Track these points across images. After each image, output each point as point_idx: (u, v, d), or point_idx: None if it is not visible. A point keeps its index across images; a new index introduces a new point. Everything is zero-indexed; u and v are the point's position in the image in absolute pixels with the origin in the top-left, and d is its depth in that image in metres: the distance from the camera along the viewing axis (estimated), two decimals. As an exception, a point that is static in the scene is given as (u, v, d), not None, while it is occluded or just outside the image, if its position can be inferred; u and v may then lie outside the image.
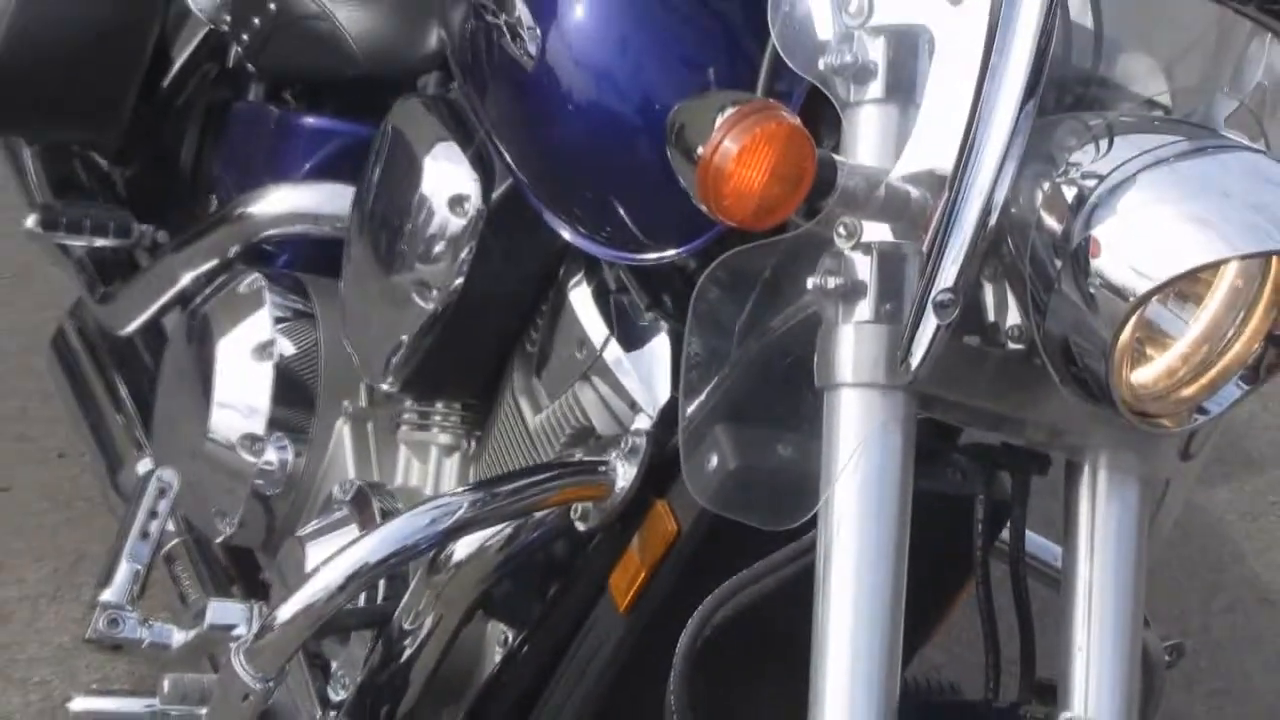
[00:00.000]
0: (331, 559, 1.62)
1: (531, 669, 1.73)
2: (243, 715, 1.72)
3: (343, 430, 2.06)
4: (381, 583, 1.76)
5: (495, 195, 1.76)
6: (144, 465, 2.31)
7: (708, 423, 1.36)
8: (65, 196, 2.61)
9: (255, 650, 1.66)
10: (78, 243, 2.54)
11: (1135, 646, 1.35)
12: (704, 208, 1.21)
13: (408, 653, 1.73)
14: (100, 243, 2.53)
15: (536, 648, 1.73)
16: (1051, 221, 1.19)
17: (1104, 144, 1.21)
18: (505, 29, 1.65)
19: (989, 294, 1.27)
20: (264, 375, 2.07)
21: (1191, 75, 1.33)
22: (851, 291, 1.24)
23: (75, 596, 2.74)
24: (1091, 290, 1.17)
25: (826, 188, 1.21)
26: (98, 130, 2.50)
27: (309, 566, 1.73)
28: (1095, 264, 1.17)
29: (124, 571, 1.80)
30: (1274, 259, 1.24)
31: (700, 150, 1.19)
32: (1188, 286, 1.24)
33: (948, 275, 1.19)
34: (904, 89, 1.26)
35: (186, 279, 2.26)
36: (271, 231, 2.16)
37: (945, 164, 1.21)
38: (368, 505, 1.87)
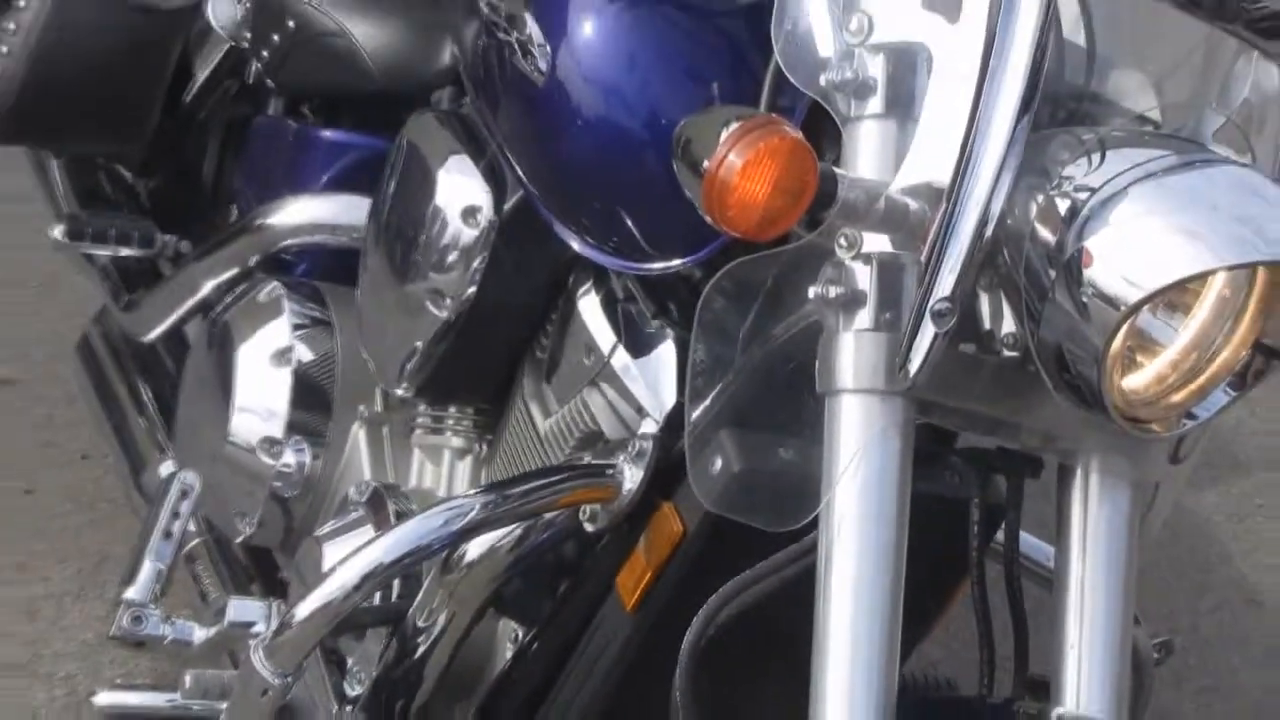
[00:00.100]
0: (348, 559, 1.62)
1: (541, 665, 1.73)
2: (262, 710, 1.72)
3: (359, 434, 2.06)
4: (396, 581, 1.76)
5: (507, 207, 1.76)
6: (166, 468, 2.31)
7: (712, 427, 1.36)
8: (91, 207, 2.62)
9: (274, 647, 1.66)
10: (103, 252, 2.55)
11: (1126, 644, 1.35)
12: (709, 219, 1.21)
13: (421, 649, 1.73)
14: (124, 252, 2.53)
15: (546, 645, 1.73)
16: (1045, 233, 1.19)
17: (1096, 158, 1.21)
18: (517, 46, 1.65)
19: (985, 303, 1.27)
20: (283, 380, 2.07)
21: (1180, 92, 1.33)
22: (852, 300, 1.25)
23: (99, 594, 2.74)
24: (1084, 299, 1.18)
25: (828, 200, 1.21)
26: (122, 143, 2.50)
27: (326, 566, 1.73)
28: (1088, 274, 1.17)
29: (147, 570, 1.81)
30: (1260, 269, 1.24)
31: (706, 164, 1.19)
32: (1177, 296, 1.24)
33: (945, 285, 1.19)
34: (903, 104, 1.27)
35: (208, 287, 2.26)
36: (290, 241, 2.16)
37: (943, 177, 1.21)
38: (383, 506, 1.87)
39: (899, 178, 1.25)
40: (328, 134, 2.23)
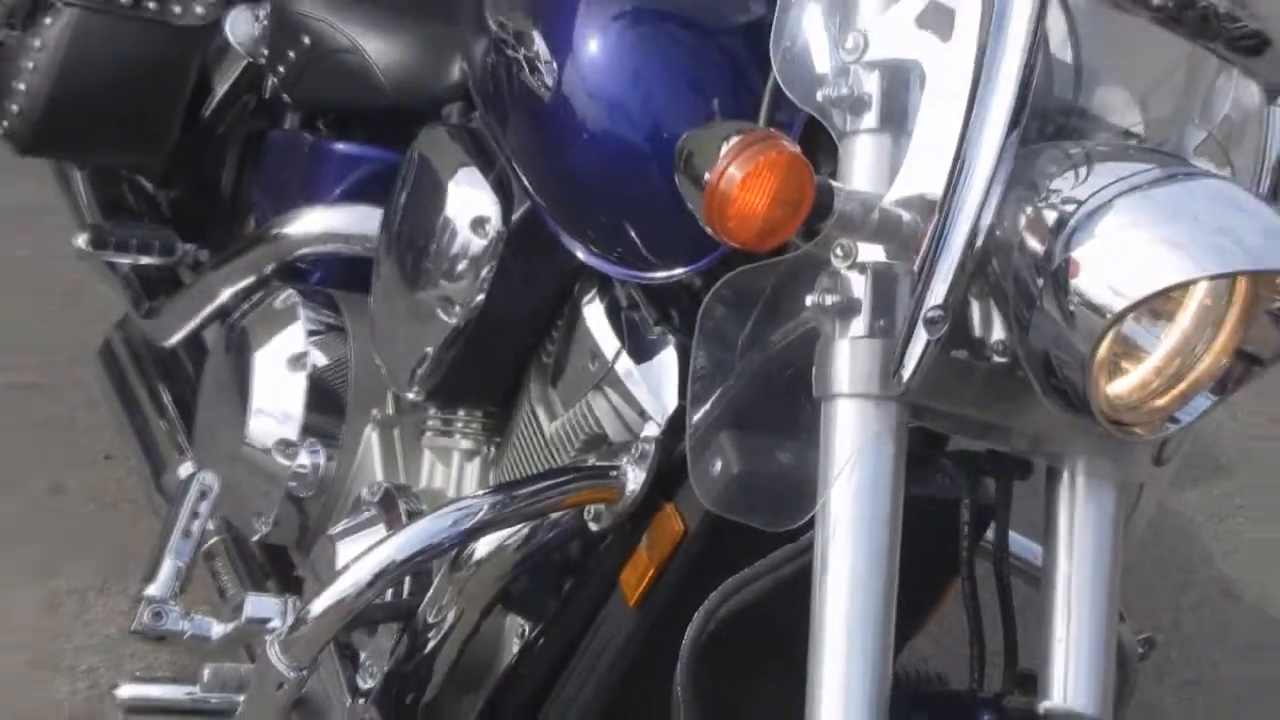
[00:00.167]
0: (361, 557, 1.62)
1: (547, 660, 1.73)
2: (278, 702, 1.72)
3: (371, 436, 2.06)
4: (407, 579, 1.76)
5: (514, 218, 1.76)
6: (186, 469, 2.32)
7: (713, 430, 1.36)
8: (113, 217, 2.62)
9: (289, 642, 1.66)
10: (125, 260, 2.55)
11: (1111, 640, 1.35)
12: (710, 230, 1.21)
13: (432, 644, 1.73)
14: (146, 261, 2.54)
15: (552, 640, 1.73)
16: (1034, 243, 1.19)
17: (1082, 171, 1.21)
18: (524, 62, 1.65)
19: (975, 311, 1.27)
20: (298, 385, 2.07)
21: (1164, 107, 1.33)
22: (847, 308, 1.25)
23: (121, 590, 2.74)
24: (1071, 308, 1.18)
25: (824, 211, 1.21)
26: (144, 156, 2.50)
27: (340, 564, 1.73)
28: (1074, 283, 1.17)
29: (167, 568, 1.80)
30: (1240, 279, 1.24)
31: (707, 176, 1.19)
32: (1160, 304, 1.24)
33: (937, 293, 1.19)
34: (897, 119, 1.27)
35: (226, 295, 2.26)
36: (305, 251, 2.16)
37: (935, 190, 1.21)
38: (394, 506, 1.87)
39: (893, 190, 1.25)
40: (341, 147, 2.23)
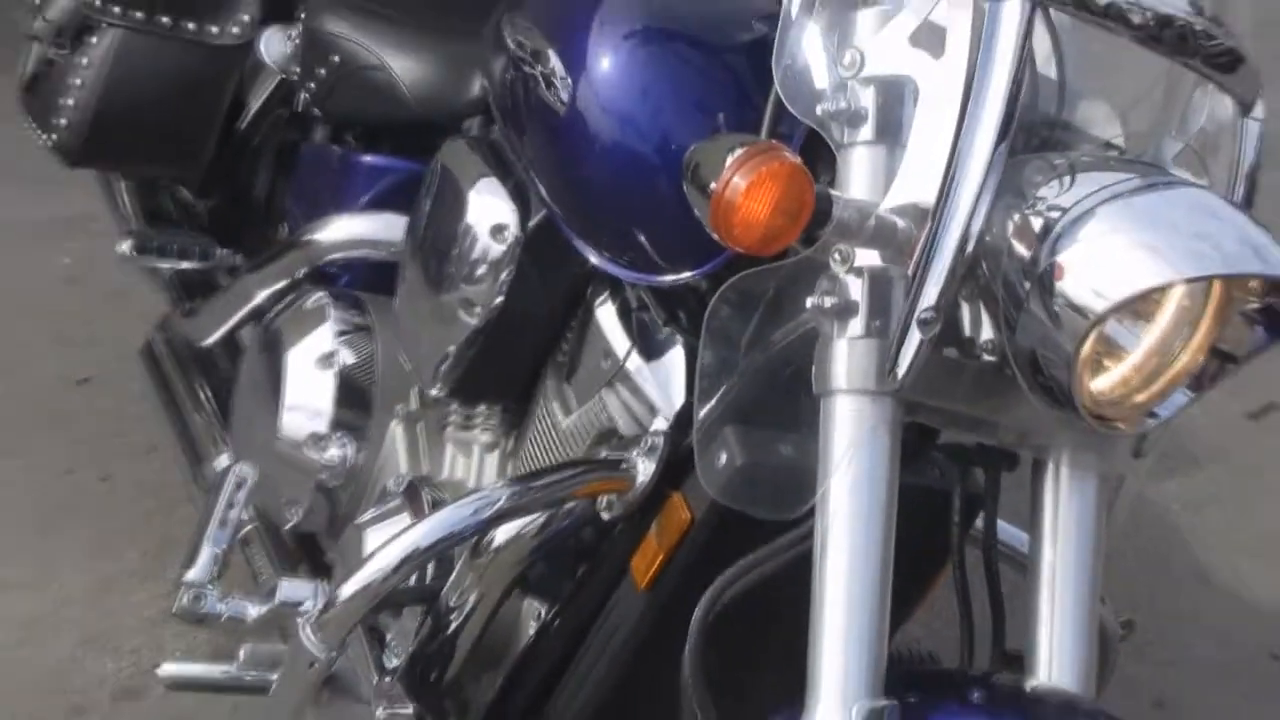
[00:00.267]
0: (387, 544, 1.62)
1: (562, 640, 1.73)
2: (309, 680, 1.72)
3: (396, 430, 2.06)
4: (431, 564, 1.76)
5: (531, 224, 1.76)
6: (223, 460, 2.32)
7: (718, 425, 1.35)
8: (155, 225, 2.63)
9: (320, 623, 1.66)
10: (165, 265, 2.55)
11: (1093, 621, 1.34)
12: (715, 236, 1.21)
13: (454, 625, 1.73)
14: (185, 265, 2.54)
15: (566, 621, 1.72)
16: (1021, 249, 1.19)
17: (1067, 181, 1.20)
18: (541, 79, 1.65)
19: (966, 312, 1.26)
20: (327, 382, 2.07)
21: (1143, 120, 1.33)
22: (845, 310, 1.24)
23: (163, 575, 2.74)
24: (1056, 309, 1.17)
25: (823, 219, 1.20)
26: (183, 167, 2.50)
27: (367, 550, 1.73)
28: (1059, 286, 1.17)
29: (206, 554, 1.80)
30: (1216, 282, 1.24)
31: (713, 186, 1.19)
32: (1140, 306, 1.24)
33: (930, 296, 1.19)
34: (892, 132, 1.26)
35: (260, 297, 2.26)
36: (334, 255, 2.17)
37: (928, 198, 1.20)
38: (418, 496, 1.87)
39: (888, 198, 1.24)
40: (368, 158, 2.23)
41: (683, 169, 1.23)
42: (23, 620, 2.70)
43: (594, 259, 1.63)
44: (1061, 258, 1.17)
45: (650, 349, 1.65)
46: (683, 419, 1.57)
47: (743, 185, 1.18)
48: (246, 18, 2.36)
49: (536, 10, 1.72)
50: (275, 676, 1.84)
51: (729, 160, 1.19)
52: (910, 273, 1.20)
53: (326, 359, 2.08)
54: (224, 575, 1.81)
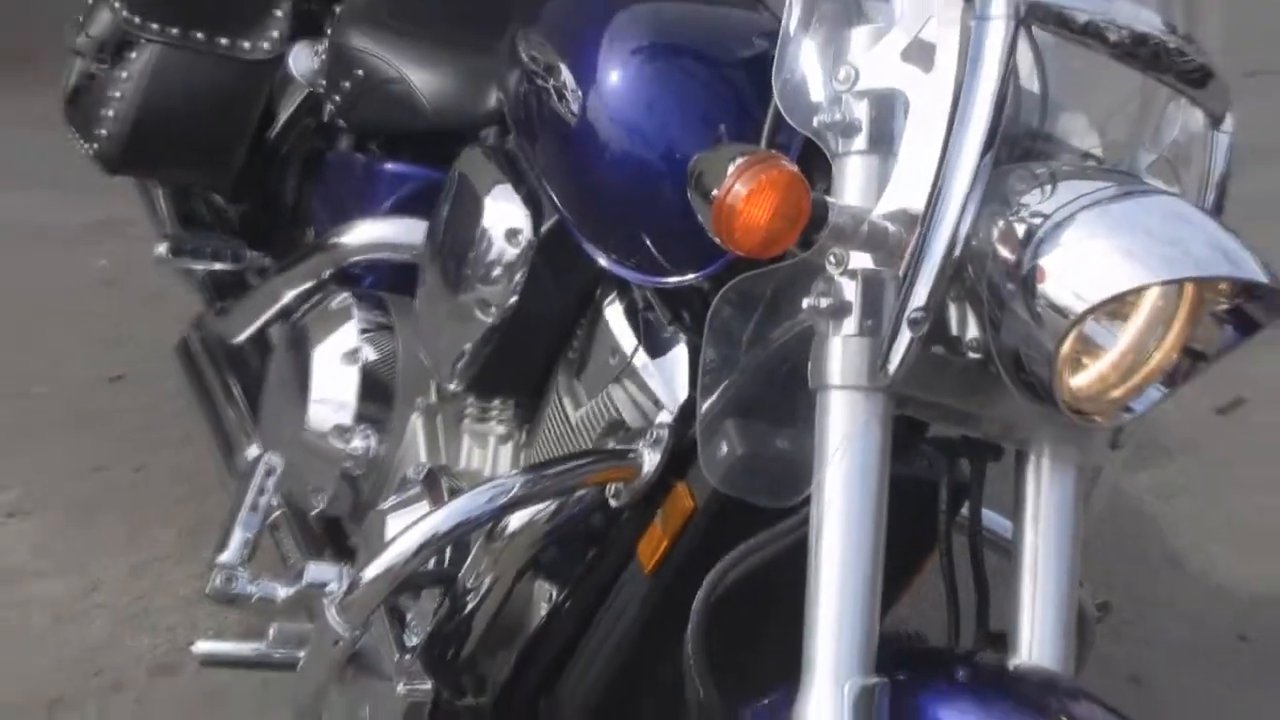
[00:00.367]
0: (408, 529, 1.62)
1: (572, 620, 1.73)
2: (334, 657, 1.72)
3: (416, 422, 2.06)
4: (449, 549, 1.76)
5: (544, 229, 1.76)
6: (254, 450, 2.32)
7: (720, 418, 1.35)
8: (189, 229, 2.63)
9: (345, 604, 1.66)
10: (199, 267, 2.56)
11: (1072, 603, 1.34)
12: (717, 240, 1.21)
13: (470, 606, 1.73)
14: (217, 267, 2.54)
15: (576, 603, 1.72)
16: (1005, 253, 1.19)
17: (1048, 189, 1.20)
18: (553, 91, 1.65)
19: (953, 312, 1.26)
20: (351, 377, 2.08)
21: (1120, 132, 1.33)
22: (840, 310, 1.24)
23: (196, 558, 2.75)
24: (1038, 309, 1.17)
25: (819, 224, 1.20)
26: (216, 174, 2.50)
27: (389, 535, 1.73)
28: (1041, 288, 1.17)
29: (237, 538, 1.80)
30: (1188, 285, 1.23)
31: (715, 193, 1.19)
32: (1117, 307, 1.24)
33: (920, 297, 1.19)
34: (884, 142, 1.26)
35: (288, 297, 2.27)
36: (358, 258, 2.17)
37: (918, 205, 1.20)
38: (437, 484, 1.87)
39: (880, 205, 1.24)
40: (390, 166, 2.23)
41: (687, 177, 1.22)
42: (62, 601, 2.70)
43: (603, 261, 1.63)
44: (1043, 261, 1.17)
45: (656, 346, 1.65)
46: (686, 412, 1.57)
47: (743, 192, 1.18)
48: (276, 34, 2.36)
49: (550, 27, 1.73)
50: (302, 654, 1.84)
51: (730, 169, 1.18)
52: (901, 275, 1.20)
53: (351, 355, 2.08)
54: (254, 558, 1.82)
